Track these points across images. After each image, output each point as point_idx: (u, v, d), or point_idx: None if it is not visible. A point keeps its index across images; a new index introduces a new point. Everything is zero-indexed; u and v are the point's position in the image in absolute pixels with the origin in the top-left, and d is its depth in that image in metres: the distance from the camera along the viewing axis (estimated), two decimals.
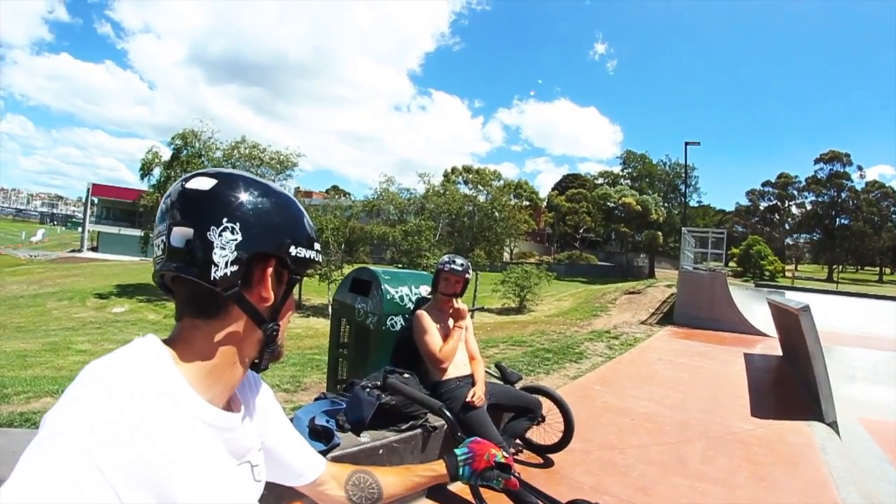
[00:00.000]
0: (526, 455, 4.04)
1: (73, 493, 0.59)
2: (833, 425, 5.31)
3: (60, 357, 10.85)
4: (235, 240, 0.78)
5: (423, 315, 3.57)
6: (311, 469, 1.08)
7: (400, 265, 23.59)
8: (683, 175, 40.99)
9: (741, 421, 5.36)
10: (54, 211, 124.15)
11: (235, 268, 0.79)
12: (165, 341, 0.79)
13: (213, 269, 0.77)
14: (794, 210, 66.21)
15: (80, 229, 56.32)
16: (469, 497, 3.23)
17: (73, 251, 48.80)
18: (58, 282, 29.50)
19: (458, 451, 1.29)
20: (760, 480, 3.97)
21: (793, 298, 10.43)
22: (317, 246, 0.91)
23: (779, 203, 66.12)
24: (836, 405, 5.47)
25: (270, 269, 0.83)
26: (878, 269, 66.30)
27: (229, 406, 0.86)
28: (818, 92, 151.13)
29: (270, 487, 0.95)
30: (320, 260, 0.92)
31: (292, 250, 0.85)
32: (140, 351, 0.75)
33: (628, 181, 55.98)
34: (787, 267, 56.87)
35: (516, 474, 1.32)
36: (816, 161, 62.82)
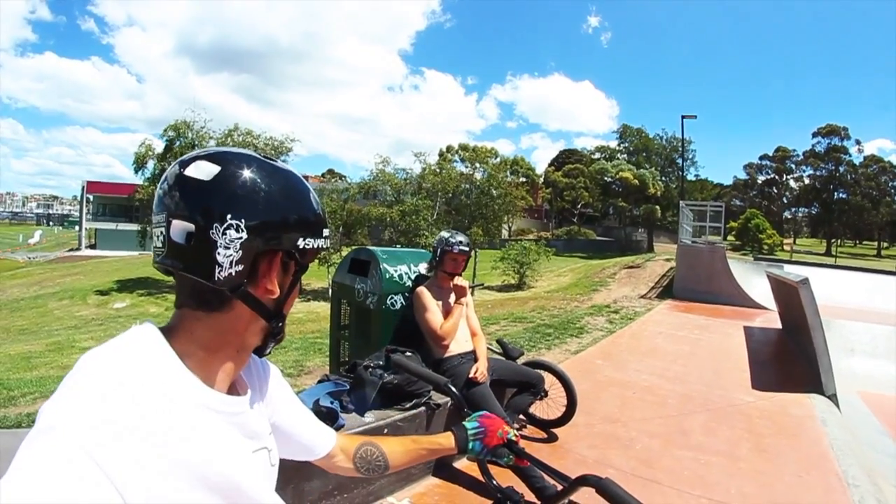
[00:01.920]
0: (530, 430, 4.06)
1: (73, 492, 0.56)
2: (833, 398, 5.34)
3: (65, 356, 10.78)
4: (241, 238, 0.74)
5: (424, 292, 3.56)
6: (323, 443, 1.09)
7: (398, 245, 23.62)
8: (680, 149, 40.94)
9: (742, 393, 5.39)
10: (50, 211, 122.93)
11: (241, 267, 0.75)
12: (163, 329, 0.76)
13: (217, 270, 0.73)
14: (791, 184, 66.20)
15: (77, 228, 56.21)
16: (473, 473, 3.25)
17: (71, 250, 48.64)
18: (58, 282, 29.32)
19: (468, 425, 1.28)
20: (762, 452, 4.00)
21: (792, 272, 10.45)
22: (326, 231, 0.86)
23: (776, 177, 66.05)
24: (835, 378, 5.49)
25: (276, 263, 0.79)
26: (876, 243, 66.40)
27: (235, 390, 0.84)
28: (817, 65, 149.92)
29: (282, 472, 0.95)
30: (328, 246, 0.88)
31: (300, 242, 0.80)
32: (138, 339, 0.72)
33: (625, 156, 55.77)
34: (786, 240, 57.11)
35: (525, 452, 1.32)
36: (814, 135, 62.61)
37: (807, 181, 64.06)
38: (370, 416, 2.97)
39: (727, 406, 4.98)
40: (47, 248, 53.91)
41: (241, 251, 0.74)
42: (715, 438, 4.21)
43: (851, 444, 4.28)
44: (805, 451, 4.07)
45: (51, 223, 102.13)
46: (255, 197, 0.75)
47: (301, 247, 0.80)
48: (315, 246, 0.83)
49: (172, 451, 0.65)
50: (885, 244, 66.27)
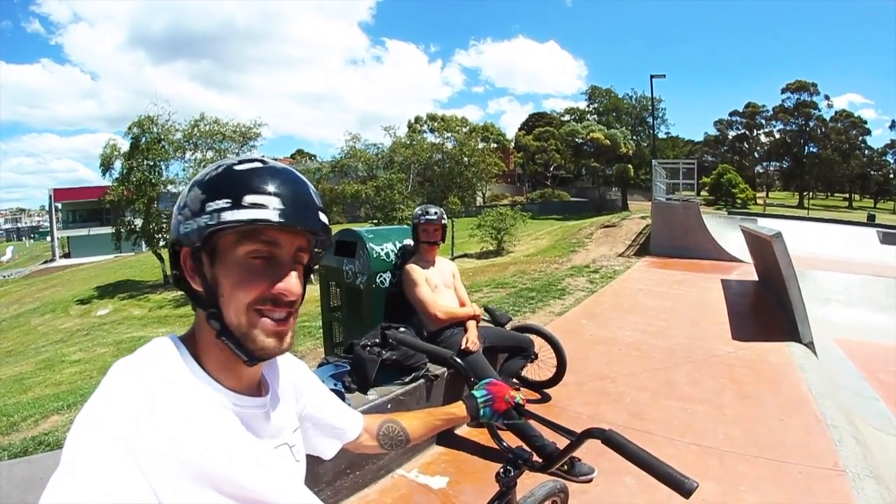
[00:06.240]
0: (524, 392, 4.17)
1: (108, 483, 0.62)
2: (810, 345, 5.50)
3: (56, 372, 10.69)
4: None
5: (413, 268, 3.65)
6: (353, 426, 1.16)
7: (375, 221, 23.56)
8: (650, 108, 41.04)
9: (723, 344, 5.54)
10: (19, 225, 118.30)
11: (171, 266, 0.84)
12: (182, 337, 0.83)
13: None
14: (762, 139, 66.94)
15: (48, 238, 54.98)
16: (474, 438, 3.38)
17: (46, 262, 47.86)
18: (37, 296, 28.91)
19: (477, 394, 1.37)
20: (745, 398, 4.15)
21: (765, 225, 10.64)
22: (216, 204, 0.75)
23: (747, 132, 66.71)
24: (812, 326, 5.65)
25: (185, 256, 0.80)
26: (847, 195, 67.39)
27: (259, 390, 0.89)
28: (787, 21, 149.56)
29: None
30: (239, 218, 0.74)
31: (182, 228, 0.78)
32: (158, 348, 0.78)
33: (595, 116, 55.74)
34: (759, 194, 57.89)
35: (531, 412, 1.43)
36: (783, 91, 63.21)
37: (777, 136, 64.75)
38: (373, 394, 3.06)
39: (709, 357, 5.14)
40: (21, 263, 53.10)
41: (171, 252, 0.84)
42: (700, 388, 4.36)
43: (829, 388, 4.44)
44: (785, 396, 4.21)
45: (21, 237, 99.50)
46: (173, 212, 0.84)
47: (183, 232, 0.78)
48: (201, 224, 0.75)
49: (193, 443, 0.71)
50: (857, 196, 67.33)
